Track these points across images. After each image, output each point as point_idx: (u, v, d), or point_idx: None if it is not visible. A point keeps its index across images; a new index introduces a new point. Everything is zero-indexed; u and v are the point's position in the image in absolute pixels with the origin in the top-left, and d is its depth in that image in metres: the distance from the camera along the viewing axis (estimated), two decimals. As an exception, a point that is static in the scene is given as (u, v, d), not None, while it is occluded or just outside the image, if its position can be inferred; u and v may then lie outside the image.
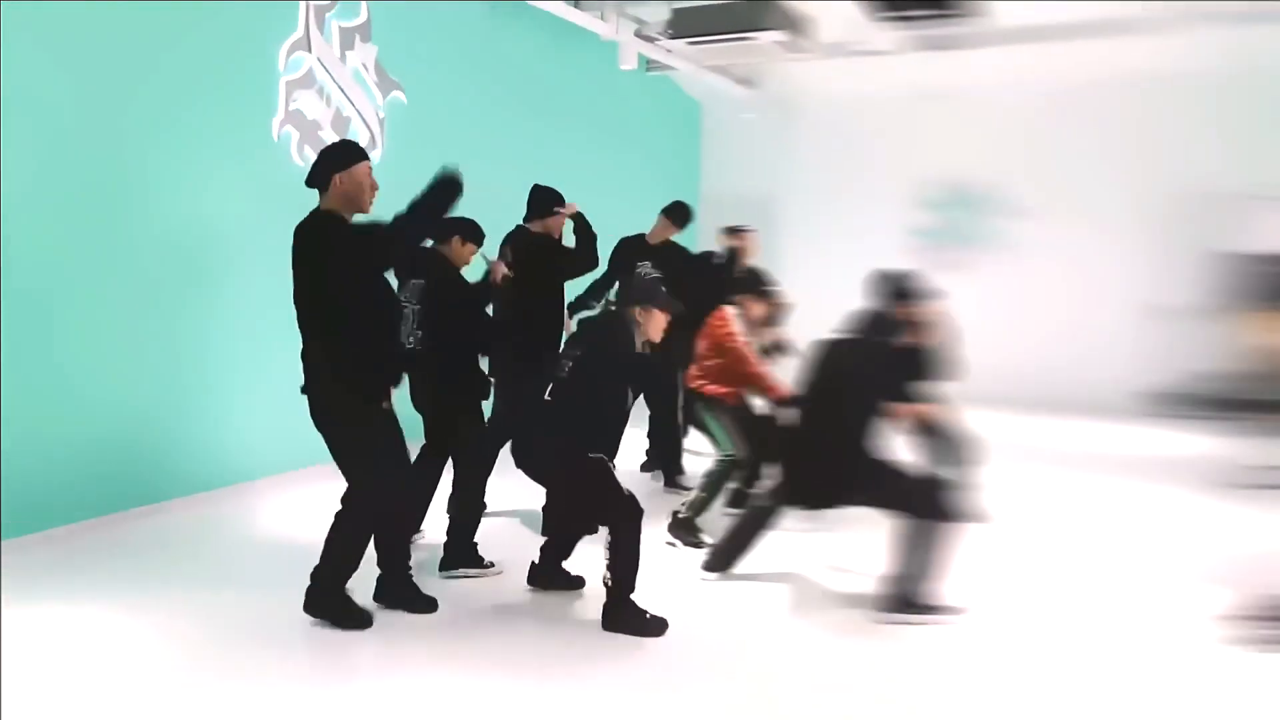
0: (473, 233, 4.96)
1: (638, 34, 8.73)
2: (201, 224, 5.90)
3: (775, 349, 6.12)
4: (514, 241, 5.49)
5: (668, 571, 4.83)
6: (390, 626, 4.07)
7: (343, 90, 6.89)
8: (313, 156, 6.64)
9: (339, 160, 3.97)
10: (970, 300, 10.97)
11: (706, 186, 12.19)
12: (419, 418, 4.85)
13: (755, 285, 5.86)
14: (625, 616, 4.07)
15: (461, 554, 4.75)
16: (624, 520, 4.05)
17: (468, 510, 4.83)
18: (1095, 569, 5.02)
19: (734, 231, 7.02)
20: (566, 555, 4.63)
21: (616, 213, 9.07)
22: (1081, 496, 6.61)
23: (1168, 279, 9.75)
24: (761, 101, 11.53)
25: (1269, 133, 9.49)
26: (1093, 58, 9.68)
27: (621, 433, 4.24)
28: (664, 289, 4.43)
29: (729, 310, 5.47)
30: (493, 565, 4.79)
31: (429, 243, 4.83)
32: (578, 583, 4.61)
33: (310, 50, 6.59)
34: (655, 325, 4.37)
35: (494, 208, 8.09)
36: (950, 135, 11.03)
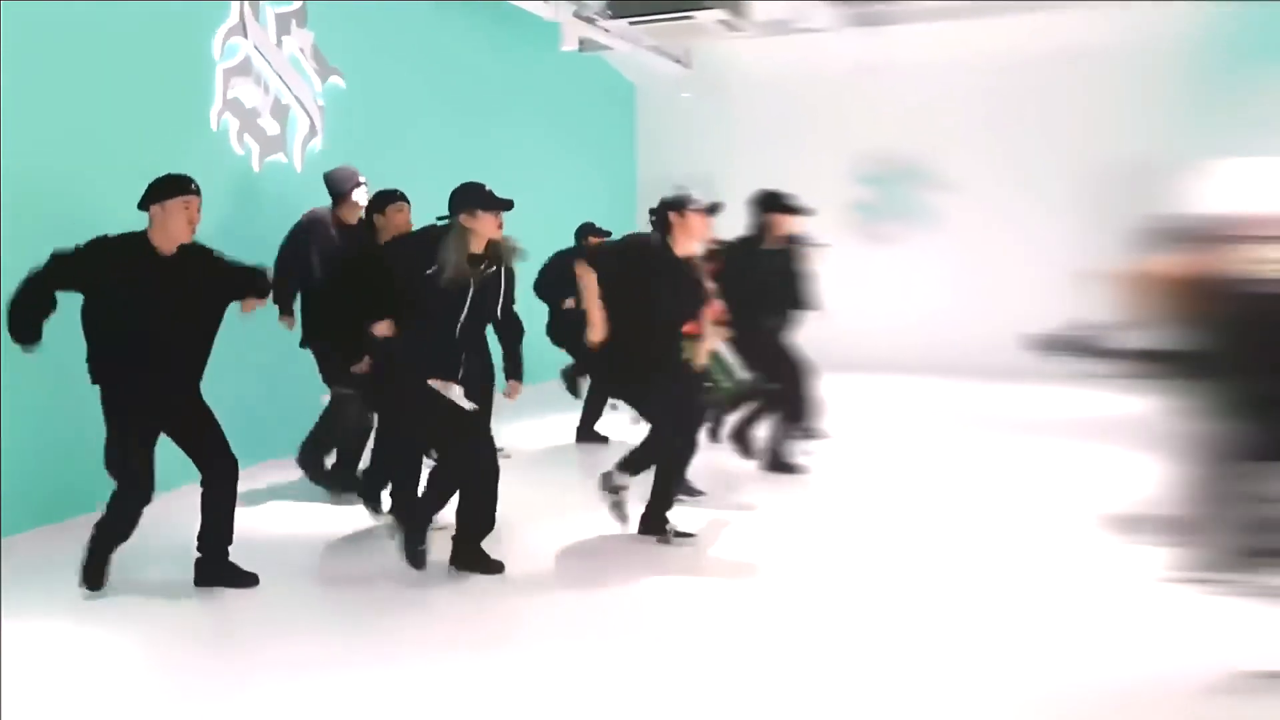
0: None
1: (577, 15, 8.73)
2: (141, 217, 5.78)
3: None
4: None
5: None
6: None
7: (281, 77, 6.80)
8: (253, 145, 6.64)
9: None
10: (909, 272, 11.25)
11: (643, 168, 12.23)
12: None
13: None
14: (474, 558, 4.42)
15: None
16: (464, 460, 4.32)
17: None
18: (1022, 521, 5.21)
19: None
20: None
21: (553, 197, 9.13)
22: (1011, 455, 6.84)
23: (1100, 247, 10.03)
24: (697, 81, 11.58)
25: (1191, 103, 9.79)
26: (1024, 32, 9.91)
27: (456, 354, 4.33)
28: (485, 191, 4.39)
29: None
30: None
31: None
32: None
33: (246, 36, 6.49)
34: (485, 228, 4.35)
35: (431, 191, 8.09)
36: (887, 110, 11.20)
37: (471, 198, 4.37)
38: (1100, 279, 4.04)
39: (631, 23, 8.27)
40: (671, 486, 4.98)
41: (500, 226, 4.54)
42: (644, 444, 5.03)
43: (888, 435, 7.68)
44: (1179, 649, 3.65)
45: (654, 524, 4.98)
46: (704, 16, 7.94)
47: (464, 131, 8.83)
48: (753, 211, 6.29)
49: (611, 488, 5.03)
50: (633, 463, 5.03)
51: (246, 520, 4.62)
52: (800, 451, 6.48)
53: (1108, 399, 8.53)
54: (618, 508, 5.04)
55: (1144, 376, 3.81)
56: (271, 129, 6.70)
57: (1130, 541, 4.48)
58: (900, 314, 11.02)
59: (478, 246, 4.38)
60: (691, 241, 5.02)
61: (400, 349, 4.40)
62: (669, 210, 4.99)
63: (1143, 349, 3.78)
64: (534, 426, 7.76)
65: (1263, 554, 3.84)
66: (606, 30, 9.05)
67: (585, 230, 7.53)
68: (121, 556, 4.33)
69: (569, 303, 6.95)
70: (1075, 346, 4.04)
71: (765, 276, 6.15)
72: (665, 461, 4.95)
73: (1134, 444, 6.42)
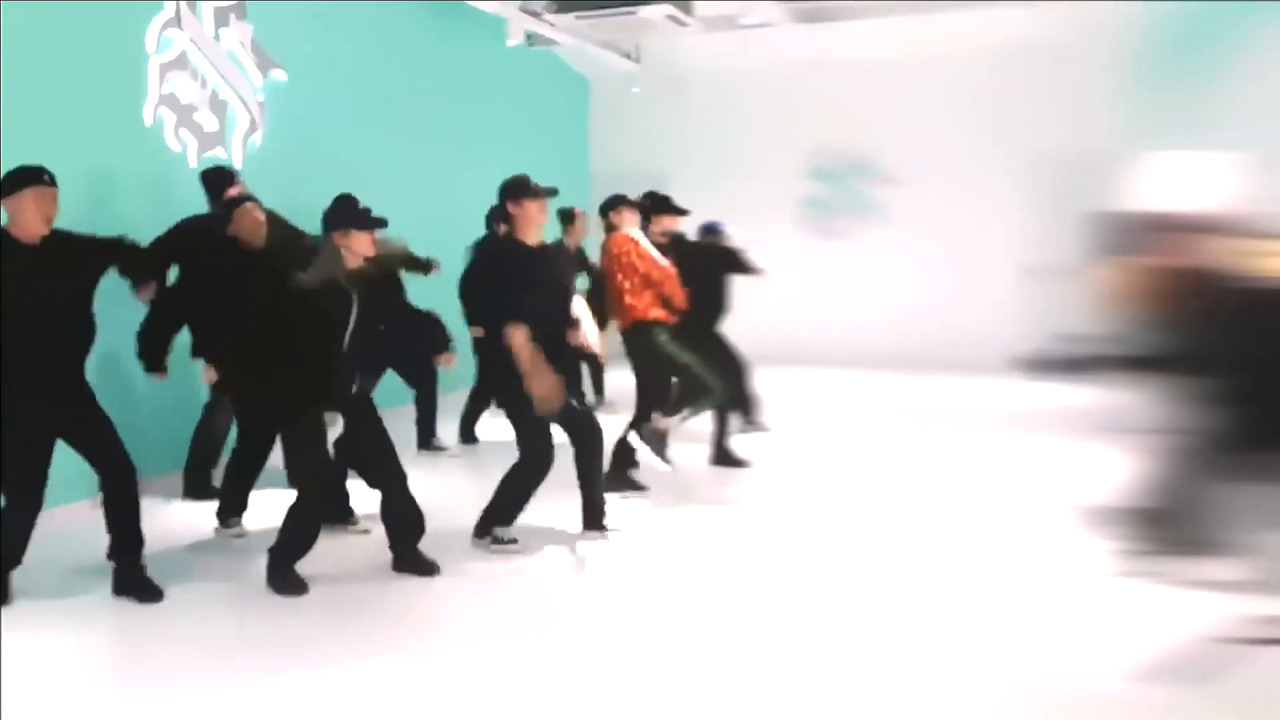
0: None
1: (523, 9, 8.64)
2: (69, 214, 5.59)
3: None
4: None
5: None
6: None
7: (218, 71, 6.63)
8: (190, 140, 6.47)
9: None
10: (860, 267, 11.31)
11: (595, 162, 12.16)
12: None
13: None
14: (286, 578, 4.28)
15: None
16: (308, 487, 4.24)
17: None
18: (978, 514, 5.24)
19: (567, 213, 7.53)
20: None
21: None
22: (966, 449, 6.88)
23: (1045, 241, 10.16)
24: (648, 76, 11.54)
25: (1135, 98, 9.94)
26: (971, 28, 10.01)
27: (326, 372, 4.21)
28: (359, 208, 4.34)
29: (631, 233, 5.59)
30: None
31: None
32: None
33: (182, 29, 6.31)
34: (359, 245, 4.27)
35: (377, 188, 7.95)
36: (837, 106, 11.24)
37: (343, 217, 4.30)
38: (1063, 279, 4.10)
39: (578, 17, 8.19)
40: (519, 496, 4.81)
41: (374, 243, 4.40)
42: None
43: (839, 429, 7.71)
44: (1138, 639, 3.67)
45: (485, 527, 4.87)
46: (650, 12, 7.90)
47: (412, 126, 8.72)
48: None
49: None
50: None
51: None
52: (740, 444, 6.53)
53: (1061, 391, 8.64)
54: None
55: (1128, 381, 3.85)
56: (209, 124, 6.53)
57: (1097, 535, 4.50)
58: (852, 309, 11.07)
59: (353, 263, 4.30)
60: (532, 229, 4.72)
61: (269, 363, 4.26)
62: (506, 201, 4.75)
63: (1124, 355, 3.79)
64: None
65: (1221, 546, 3.90)
66: (553, 25, 8.98)
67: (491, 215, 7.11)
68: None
69: (477, 331, 6.38)
70: (1062, 363, 4.05)
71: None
72: (519, 472, 4.78)
73: (1090, 435, 6.49)
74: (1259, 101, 8.96)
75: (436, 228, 7.57)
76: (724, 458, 6.38)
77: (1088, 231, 4.12)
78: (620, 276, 5.61)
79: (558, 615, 4.08)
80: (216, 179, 5.69)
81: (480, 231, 7.13)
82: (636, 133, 12.06)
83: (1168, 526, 3.96)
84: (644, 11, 8.01)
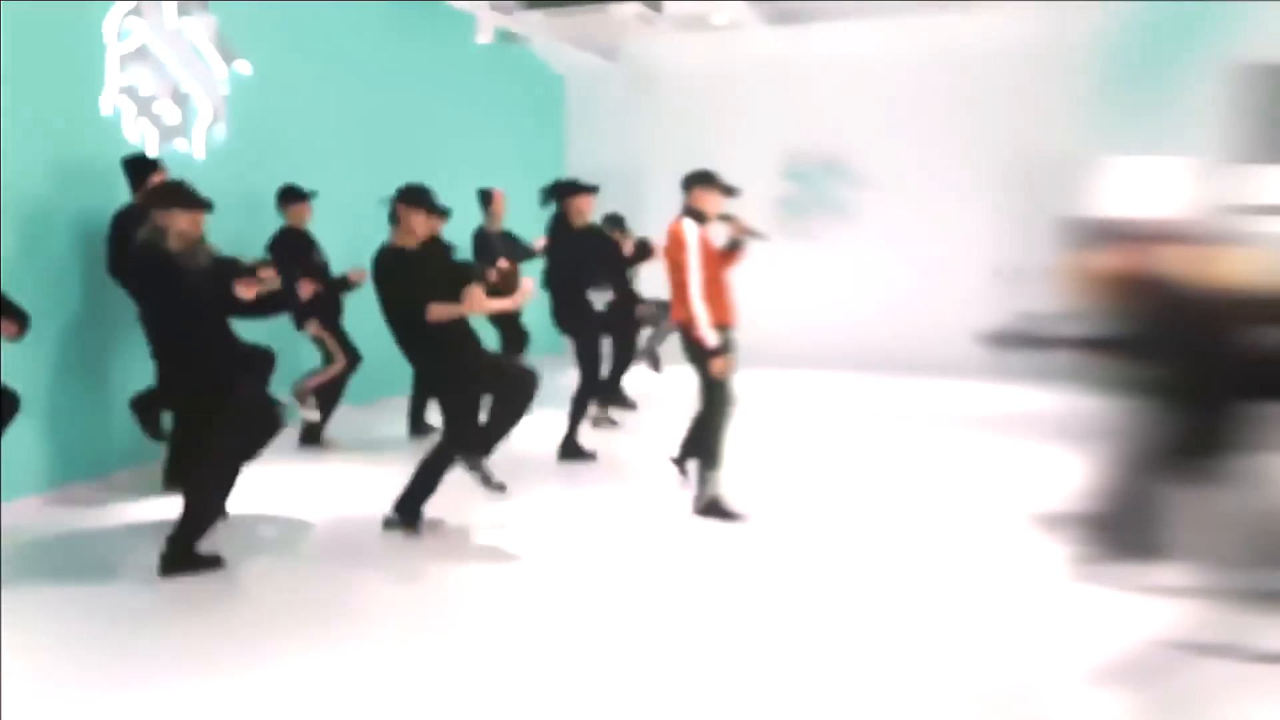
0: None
1: (493, 6, 8.59)
2: (21, 206, 5.51)
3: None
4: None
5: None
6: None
7: (180, 62, 6.54)
8: (150, 132, 6.38)
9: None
10: (831, 266, 11.33)
11: (572, 160, 12.12)
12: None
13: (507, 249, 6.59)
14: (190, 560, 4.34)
15: None
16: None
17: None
18: (932, 516, 5.25)
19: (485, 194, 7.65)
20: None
21: (480, 186, 8.92)
22: (930, 450, 6.89)
23: (1014, 242, 10.22)
24: (624, 74, 11.52)
25: (1102, 101, 10.01)
26: (942, 30, 10.04)
27: (206, 359, 4.38)
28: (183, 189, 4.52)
29: (687, 223, 5.22)
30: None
31: None
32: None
33: (142, 19, 6.22)
34: (176, 223, 4.43)
35: (347, 187, 7.91)
36: (809, 106, 11.24)
37: (170, 196, 4.50)
38: (1031, 273, 4.23)
39: (547, 14, 8.16)
40: (435, 482, 4.90)
41: (200, 224, 4.56)
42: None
43: (806, 430, 7.70)
44: (1089, 642, 3.68)
45: (409, 514, 4.92)
46: (621, 10, 7.87)
47: (381, 122, 8.63)
48: (552, 196, 6.64)
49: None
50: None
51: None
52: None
53: (1025, 395, 8.70)
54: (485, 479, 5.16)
55: (1085, 363, 3.98)
56: (170, 116, 6.44)
57: (1053, 539, 4.53)
58: (823, 310, 11.09)
59: (177, 244, 4.47)
60: (414, 234, 4.87)
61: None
62: (398, 204, 4.88)
63: (1083, 338, 3.99)
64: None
65: (1170, 551, 3.96)
66: (524, 22, 8.94)
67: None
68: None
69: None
70: (1023, 339, 4.27)
71: (576, 255, 6.56)
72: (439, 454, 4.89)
73: (1050, 439, 6.53)
74: (1222, 101, 9.03)
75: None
76: (572, 450, 6.52)
77: (1054, 233, 4.28)
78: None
79: (496, 608, 4.03)
80: (139, 167, 5.53)
81: (457, 230, 7.06)
82: (612, 130, 12.03)
83: (1119, 531, 4.03)
84: (614, 9, 7.98)
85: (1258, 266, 3.49)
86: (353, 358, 6.84)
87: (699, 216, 5.22)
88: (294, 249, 6.56)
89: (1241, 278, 3.48)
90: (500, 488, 5.29)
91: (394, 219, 4.87)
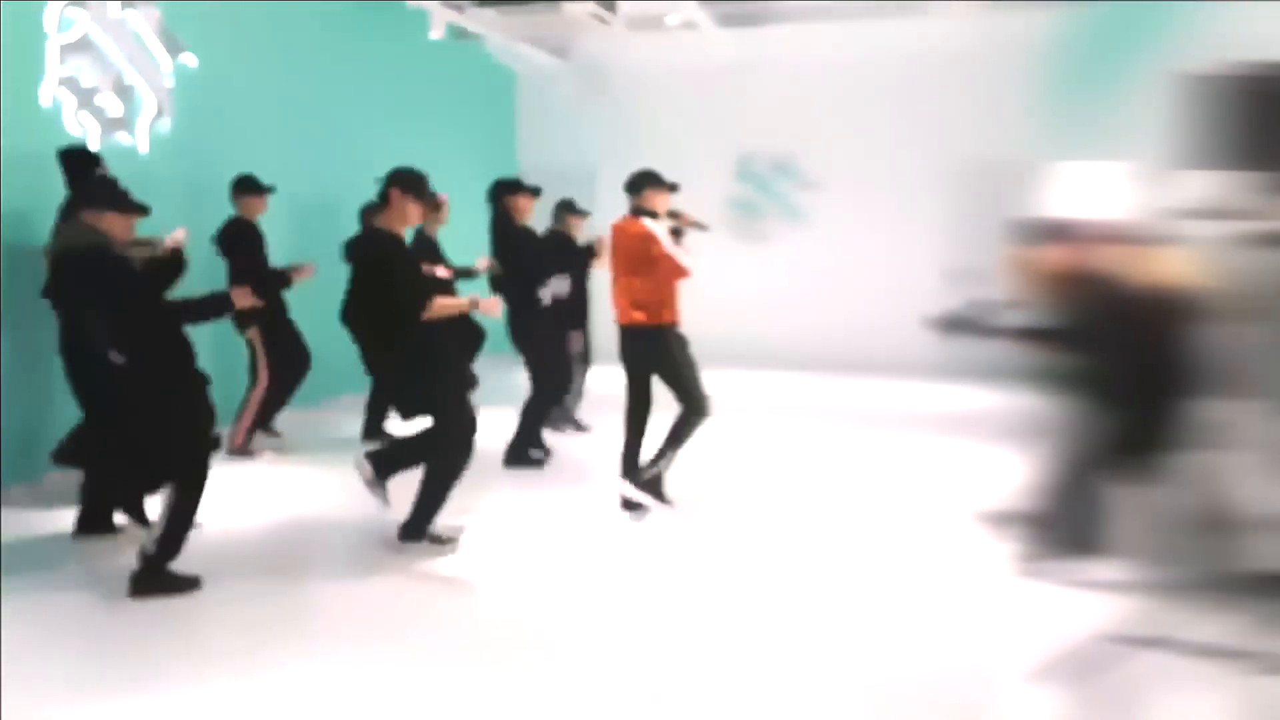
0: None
1: (445, 4, 8.53)
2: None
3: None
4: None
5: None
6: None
7: (123, 54, 6.41)
8: (91, 124, 6.24)
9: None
10: (782, 268, 11.40)
11: (523, 156, 12.06)
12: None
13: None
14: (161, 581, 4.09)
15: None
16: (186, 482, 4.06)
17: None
18: (878, 515, 5.31)
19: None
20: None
21: (431, 183, 8.81)
22: (878, 450, 6.97)
23: (964, 244, 10.35)
24: (576, 72, 11.50)
25: (1046, 103, 10.19)
26: (891, 34, 10.16)
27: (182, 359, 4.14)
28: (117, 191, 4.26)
29: (648, 221, 5.22)
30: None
31: None
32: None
33: (84, 9, 6.09)
34: (112, 225, 4.19)
35: (295, 183, 7.79)
36: (761, 108, 11.30)
37: (102, 196, 4.24)
38: (979, 274, 4.40)
39: (500, 12, 8.12)
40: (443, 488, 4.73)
41: (133, 228, 4.33)
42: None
43: (754, 430, 7.73)
44: (1031, 638, 3.73)
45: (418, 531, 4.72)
46: (575, 9, 7.86)
47: (331, 117, 8.53)
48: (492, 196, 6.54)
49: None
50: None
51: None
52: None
53: (977, 394, 8.84)
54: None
55: (1026, 352, 4.15)
56: (113, 108, 6.31)
57: (997, 537, 4.60)
58: (775, 310, 11.14)
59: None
60: (406, 221, 4.75)
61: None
62: (392, 188, 4.71)
63: (1025, 328, 4.14)
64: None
65: (1107, 546, 4.06)
66: (479, 19, 8.89)
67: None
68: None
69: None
70: (967, 325, 4.40)
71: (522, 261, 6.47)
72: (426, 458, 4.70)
73: (996, 439, 6.62)
74: (1163, 106, 9.23)
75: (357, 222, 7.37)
76: (520, 458, 6.38)
77: (1002, 234, 4.42)
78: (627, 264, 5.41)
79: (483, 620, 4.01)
80: (77, 161, 5.24)
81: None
82: (565, 129, 11.99)
83: (1059, 528, 4.12)
84: (567, 8, 7.96)
85: (1191, 267, 3.59)
86: (302, 360, 6.67)
87: (651, 216, 5.23)
88: (244, 242, 6.38)
89: (1175, 278, 3.59)
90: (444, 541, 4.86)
91: (383, 201, 4.63)
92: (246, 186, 6.49)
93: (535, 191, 6.55)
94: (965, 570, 4.44)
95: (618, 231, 5.29)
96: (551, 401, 6.63)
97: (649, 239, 5.12)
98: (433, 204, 5.72)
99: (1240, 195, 3.46)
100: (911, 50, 10.49)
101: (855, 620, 3.92)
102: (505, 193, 6.49)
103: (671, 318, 5.20)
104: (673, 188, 5.37)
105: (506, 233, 6.47)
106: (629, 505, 5.24)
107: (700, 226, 5.46)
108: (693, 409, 5.21)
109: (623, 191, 5.36)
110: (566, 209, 7.35)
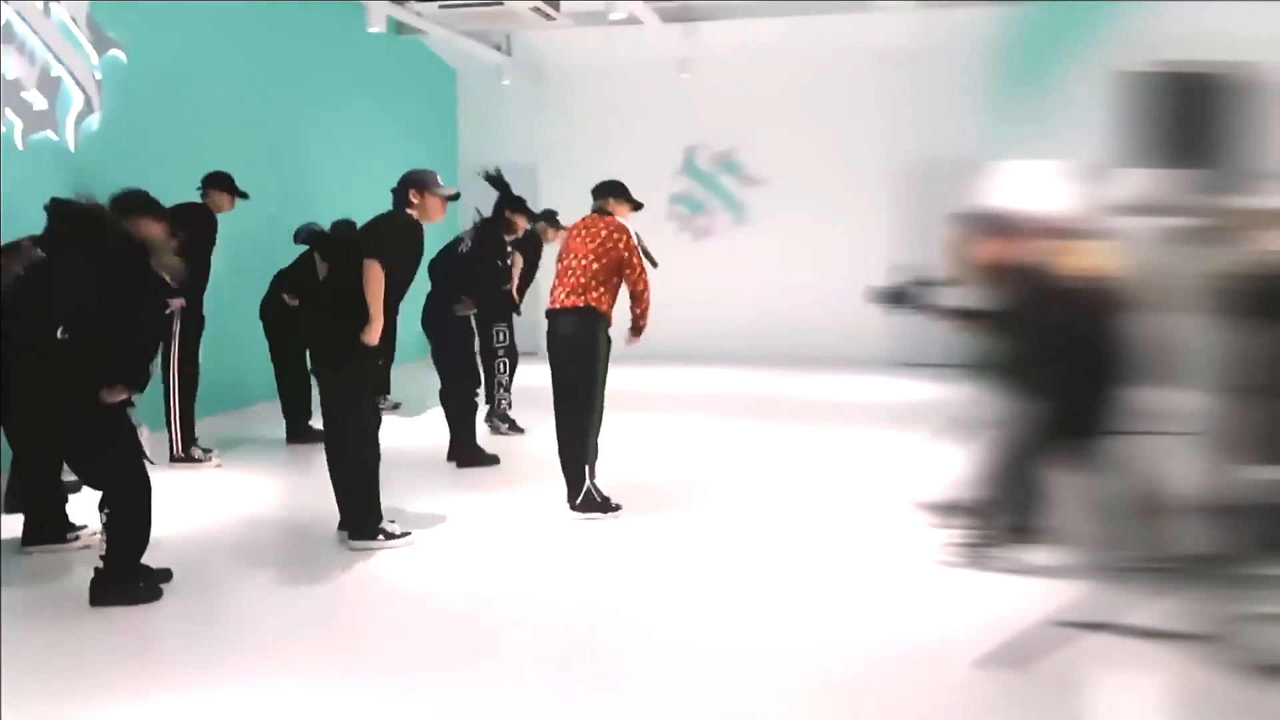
0: None
1: (385, -4, 8.42)
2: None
3: None
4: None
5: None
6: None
7: (49, 47, 6.21)
8: (14, 120, 6.04)
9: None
10: (727, 264, 11.45)
11: (464, 153, 11.96)
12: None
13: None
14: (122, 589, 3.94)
15: None
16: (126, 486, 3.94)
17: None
18: (820, 507, 5.36)
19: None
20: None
21: (369, 180, 8.73)
22: (823, 443, 7.04)
23: (909, 240, 10.49)
24: (518, 68, 11.42)
25: (990, 100, 10.37)
26: (836, 31, 10.25)
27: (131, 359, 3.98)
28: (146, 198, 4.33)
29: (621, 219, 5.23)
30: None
31: None
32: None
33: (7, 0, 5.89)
34: (147, 231, 4.21)
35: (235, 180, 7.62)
36: (705, 104, 11.34)
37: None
38: (923, 267, 4.57)
39: (441, 6, 8.03)
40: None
41: None
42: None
43: (700, 426, 7.75)
44: (972, 626, 3.79)
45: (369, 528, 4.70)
46: (517, 4, 7.80)
47: (269, 112, 8.37)
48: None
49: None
50: None
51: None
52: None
53: (921, 388, 8.97)
54: None
55: (958, 330, 4.38)
56: (38, 103, 6.13)
57: (938, 526, 4.69)
58: (720, 306, 11.19)
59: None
60: (430, 219, 4.89)
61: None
62: (412, 188, 4.83)
63: (960, 308, 4.34)
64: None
65: (1041, 532, 4.18)
66: (418, 14, 8.79)
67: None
68: None
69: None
70: (906, 298, 4.60)
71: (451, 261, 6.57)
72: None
73: (938, 431, 6.73)
74: (1102, 104, 9.44)
75: (295, 216, 7.22)
76: (473, 456, 6.34)
77: (945, 228, 4.62)
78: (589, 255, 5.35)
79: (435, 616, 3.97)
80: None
81: (341, 214, 6.85)
82: (507, 124, 11.91)
83: (998, 515, 4.22)
84: (510, 4, 7.90)
85: (1119, 260, 3.71)
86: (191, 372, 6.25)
87: None
88: (205, 231, 6.08)
89: (1103, 269, 3.71)
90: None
91: (405, 204, 4.75)
92: (222, 183, 6.29)
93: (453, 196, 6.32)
94: (907, 560, 4.49)
95: (581, 226, 5.24)
96: (471, 394, 6.43)
97: (622, 231, 5.13)
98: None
99: (1172, 192, 3.55)
100: (855, 46, 10.58)
101: (801, 611, 3.95)
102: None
103: (608, 313, 5.16)
104: (637, 207, 5.37)
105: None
106: (585, 506, 5.18)
107: (651, 261, 5.38)
108: (582, 407, 5.14)
109: (590, 194, 5.34)
110: (548, 220, 7.61)
